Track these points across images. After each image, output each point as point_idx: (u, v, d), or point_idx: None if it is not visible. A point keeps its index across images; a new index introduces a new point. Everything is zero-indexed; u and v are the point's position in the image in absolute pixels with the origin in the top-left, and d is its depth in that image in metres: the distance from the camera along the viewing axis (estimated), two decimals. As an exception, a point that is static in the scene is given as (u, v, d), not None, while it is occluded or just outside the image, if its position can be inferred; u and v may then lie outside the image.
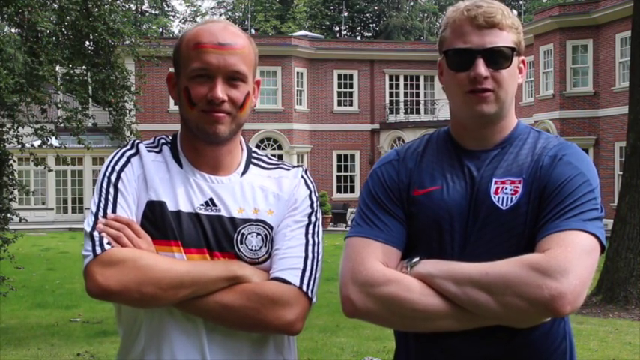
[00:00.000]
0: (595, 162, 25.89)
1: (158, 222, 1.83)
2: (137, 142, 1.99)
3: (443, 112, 33.22)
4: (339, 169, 33.54)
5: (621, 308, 10.73)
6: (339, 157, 33.53)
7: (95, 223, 1.81)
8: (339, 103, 33.62)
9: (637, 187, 11.14)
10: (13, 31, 10.30)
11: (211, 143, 1.90)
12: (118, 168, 1.89)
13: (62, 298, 12.57)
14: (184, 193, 1.87)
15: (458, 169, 1.92)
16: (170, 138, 2.03)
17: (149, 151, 1.96)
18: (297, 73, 32.30)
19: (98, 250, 1.76)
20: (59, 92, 11.75)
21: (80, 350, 8.52)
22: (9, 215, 10.03)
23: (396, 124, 33.10)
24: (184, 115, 1.96)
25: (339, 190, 33.24)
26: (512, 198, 1.84)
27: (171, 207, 1.84)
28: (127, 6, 11.82)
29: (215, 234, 1.84)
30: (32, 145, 11.51)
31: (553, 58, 26.99)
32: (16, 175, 10.22)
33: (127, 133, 10.77)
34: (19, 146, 9.86)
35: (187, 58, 1.87)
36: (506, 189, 1.85)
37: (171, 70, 1.99)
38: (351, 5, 55.41)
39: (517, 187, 1.85)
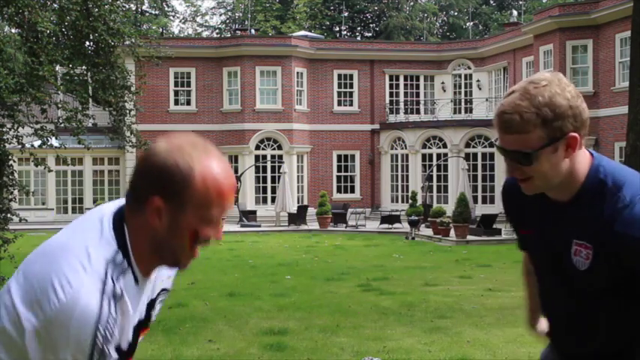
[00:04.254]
0: (595, 162, 25.98)
1: None
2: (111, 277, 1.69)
3: (443, 112, 33.23)
4: (339, 169, 33.54)
5: (621, 308, 10.72)
6: (339, 157, 33.52)
7: None
8: (339, 103, 33.61)
9: (637, 187, 11.14)
10: (13, 31, 10.30)
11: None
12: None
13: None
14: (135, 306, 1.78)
15: (546, 217, 2.19)
16: (122, 257, 1.73)
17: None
18: (297, 73, 32.29)
19: None
20: (59, 92, 11.75)
21: (80, 350, 8.51)
22: (9, 215, 10.03)
23: (396, 124, 33.09)
24: (170, 247, 1.73)
25: (339, 190, 33.23)
26: (585, 263, 2.09)
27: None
28: (127, 6, 11.81)
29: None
30: (32, 145, 11.50)
31: (553, 58, 26.99)
32: (16, 175, 10.22)
33: (127, 133, 10.78)
34: (19, 146, 9.86)
35: (207, 202, 1.68)
36: (581, 252, 2.09)
37: (157, 196, 1.69)
38: (351, 5, 55.39)
39: (589, 253, 2.07)
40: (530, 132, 2.02)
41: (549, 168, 2.04)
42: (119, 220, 1.73)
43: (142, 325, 1.83)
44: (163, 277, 1.90)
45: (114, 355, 1.65)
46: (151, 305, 1.87)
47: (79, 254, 1.64)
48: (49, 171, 11.02)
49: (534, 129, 2.01)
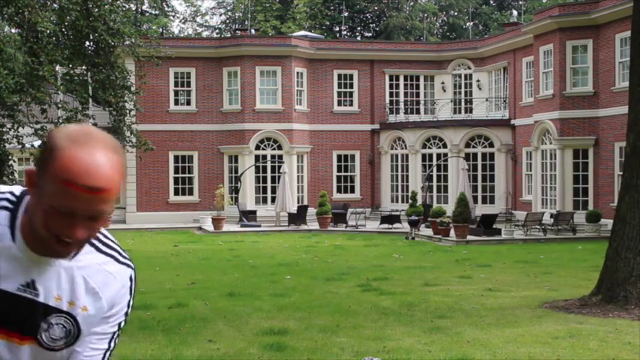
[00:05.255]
0: (595, 162, 25.94)
1: None
2: None
3: (443, 112, 33.22)
4: (339, 169, 33.53)
5: (621, 308, 10.72)
6: (339, 157, 33.51)
7: None
8: (339, 103, 33.60)
9: (637, 187, 11.14)
10: (13, 31, 10.30)
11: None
12: None
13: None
14: (8, 270, 1.77)
15: None
16: (14, 198, 1.81)
17: None
18: (297, 73, 32.29)
19: None
20: (59, 92, 11.75)
21: (80, 350, 8.51)
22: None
23: (396, 124, 33.08)
24: (35, 222, 1.72)
25: (339, 190, 33.23)
26: None
27: None
28: (127, 6, 11.81)
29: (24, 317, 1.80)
30: (32, 145, 11.50)
31: (553, 58, 26.98)
32: (16, 175, 10.22)
33: (127, 133, 10.77)
34: (19, 146, 9.86)
35: (54, 188, 1.65)
36: None
37: (32, 165, 1.74)
38: (351, 5, 55.38)
39: None
40: None
41: None
42: None
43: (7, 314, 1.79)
44: (64, 294, 1.82)
45: None
46: (34, 309, 1.80)
47: None
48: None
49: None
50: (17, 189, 1.82)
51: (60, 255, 1.75)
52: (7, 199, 1.80)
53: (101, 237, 1.89)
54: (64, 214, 1.66)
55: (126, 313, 1.92)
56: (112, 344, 1.92)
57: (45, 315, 1.80)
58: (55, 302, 1.81)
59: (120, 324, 1.92)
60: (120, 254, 1.91)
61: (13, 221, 1.77)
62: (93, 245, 1.85)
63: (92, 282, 1.84)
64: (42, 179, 1.67)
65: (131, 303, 1.93)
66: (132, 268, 1.92)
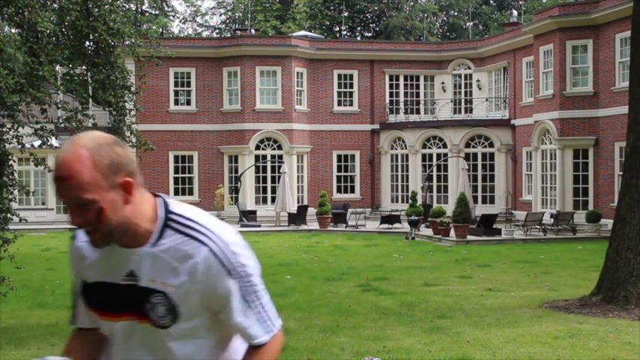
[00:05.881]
0: (595, 162, 25.95)
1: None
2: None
3: (443, 112, 33.22)
4: (339, 169, 33.53)
5: (621, 308, 10.72)
6: (339, 157, 33.51)
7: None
8: (339, 103, 33.60)
9: (637, 187, 11.14)
10: (13, 31, 10.29)
11: None
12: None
13: (62, 298, 12.56)
14: (111, 265, 2.16)
15: None
16: None
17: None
18: (297, 73, 32.29)
19: None
20: (59, 92, 11.75)
21: (80, 350, 8.51)
22: (9, 215, 10.02)
23: (396, 124, 33.08)
24: None
25: (339, 190, 33.23)
26: None
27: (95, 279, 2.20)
28: (127, 6, 11.80)
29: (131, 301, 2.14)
30: (32, 145, 11.51)
31: (553, 58, 26.97)
32: (16, 175, 10.21)
33: (127, 133, 10.76)
34: (19, 146, 9.85)
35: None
36: None
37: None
38: (351, 5, 55.37)
39: None
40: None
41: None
42: None
43: (116, 298, 2.14)
44: (156, 276, 2.10)
45: (76, 276, 2.24)
46: (140, 293, 2.11)
47: None
48: (49, 171, 10.98)
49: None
50: None
51: (95, 245, 2.08)
52: None
53: (181, 219, 2.12)
54: (65, 203, 2.01)
55: (239, 278, 2.11)
56: (249, 296, 2.13)
57: (147, 296, 2.09)
58: (151, 284, 2.09)
59: (240, 287, 2.11)
60: (198, 233, 2.09)
61: None
62: (173, 228, 2.10)
63: (172, 261, 2.08)
64: None
65: (236, 269, 2.10)
66: (205, 244, 2.08)
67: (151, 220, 2.10)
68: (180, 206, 2.15)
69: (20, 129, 9.89)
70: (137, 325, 2.14)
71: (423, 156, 32.01)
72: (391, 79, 34.05)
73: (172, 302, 2.07)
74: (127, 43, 10.49)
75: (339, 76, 33.46)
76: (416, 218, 25.17)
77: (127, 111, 10.65)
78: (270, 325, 2.17)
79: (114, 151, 2.01)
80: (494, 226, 24.62)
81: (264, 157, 31.56)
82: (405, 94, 34.29)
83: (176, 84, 32.04)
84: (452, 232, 23.47)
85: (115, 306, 2.15)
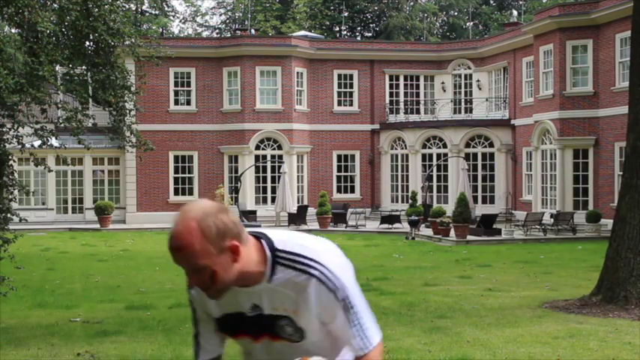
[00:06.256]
0: (595, 162, 25.94)
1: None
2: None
3: (443, 112, 33.22)
4: (339, 169, 33.53)
5: (621, 308, 10.72)
6: (339, 157, 33.51)
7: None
8: (339, 103, 33.60)
9: (637, 187, 11.14)
10: (13, 31, 10.29)
11: None
12: None
13: (62, 298, 12.56)
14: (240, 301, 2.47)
15: None
16: None
17: None
18: (297, 73, 32.29)
19: None
20: (59, 92, 11.75)
21: (80, 350, 8.52)
22: (9, 215, 10.02)
23: (396, 124, 33.08)
24: None
25: (339, 190, 33.23)
26: None
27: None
28: (127, 6, 11.79)
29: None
30: (32, 145, 11.51)
31: (553, 58, 26.97)
32: (16, 175, 10.22)
33: (127, 133, 10.76)
34: (19, 146, 9.85)
35: None
36: None
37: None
38: (351, 5, 55.36)
39: None
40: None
41: None
42: None
43: (241, 324, 2.49)
44: (278, 305, 2.42)
45: (198, 313, 2.55)
46: (268, 319, 2.44)
47: None
48: (49, 171, 11.01)
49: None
50: None
51: (211, 297, 2.39)
52: None
53: (288, 255, 2.39)
54: (184, 270, 2.30)
55: (342, 299, 2.41)
56: (350, 309, 2.41)
57: (274, 321, 2.43)
58: (275, 311, 2.42)
59: (343, 306, 2.41)
60: (305, 266, 2.38)
61: None
62: (282, 264, 2.38)
63: (288, 291, 2.39)
64: None
65: (339, 290, 2.40)
66: (314, 275, 2.37)
67: (260, 262, 2.37)
68: (282, 242, 2.41)
69: (20, 129, 9.89)
70: (273, 343, 2.48)
71: (423, 156, 32.02)
72: (391, 79, 34.04)
73: (297, 324, 2.40)
74: (127, 43, 10.48)
75: (339, 76, 33.46)
76: (416, 218, 25.17)
77: (127, 111, 10.65)
78: (370, 337, 2.44)
79: (219, 219, 2.26)
80: (494, 226, 24.63)
81: (264, 157, 31.56)
82: (405, 94, 34.29)
83: (176, 84, 32.05)
84: (452, 232, 23.47)
85: (248, 331, 2.49)
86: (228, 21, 59.80)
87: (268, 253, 2.37)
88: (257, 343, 2.50)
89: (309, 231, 27.53)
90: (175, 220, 2.26)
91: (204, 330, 2.57)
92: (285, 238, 2.42)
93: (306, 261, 2.37)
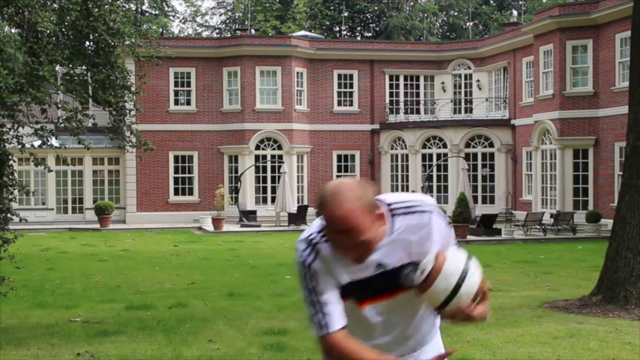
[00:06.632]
0: (595, 162, 25.94)
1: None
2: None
3: (443, 112, 33.22)
4: (339, 169, 33.53)
5: (621, 308, 10.72)
6: (339, 157, 33.52)
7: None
8: (339, 103, 33.60)
9: (637, 187, 11.14)
10: (13, 31, 10.28)
11: None
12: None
13: (62, 298, 12.56)
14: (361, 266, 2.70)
15: None
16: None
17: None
18: (297, 73, 32.29)
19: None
20: (59, 92, 11.75)
21: (80, 350, 8.52)
22: (9, 215, 10.02)
23: (396, 124, 33.08)
24: (333, 245, 2.71)
25: (339, 190, 33.18)
26: None
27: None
28: (127, 6, 11.78)
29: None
30: (32, 145, 11.50)
31: (553, 58, 26.98)
32: (16, 175, 10.20)
33: (127, 133, 10.75)
34: (19, 146, 9.84)
35: (327, 230, 2.61)
36: None
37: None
38: (351, 5, 55.36)
39: None
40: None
41: None
42: None
43: (369, 288, 2.71)
44: (401, 255, 2.68)
45: (325, 285, 2.68)
46: (391, 274, 2.69)
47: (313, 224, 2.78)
48: (49, 171, 11.00)
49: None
50: (317, 224, 2.73)
51: (358, 261, 2.62)
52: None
53: (400, 205, 2.69)
54: (340, 245, 2.56)
55: (449, 222, 2.81)
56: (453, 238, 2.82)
57: (400, 272, 2.68)
58: (398, 262, 2.68)
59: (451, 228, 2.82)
60: (417, 207, 2.70)
61: None
62: (398, 214, 2.66)
63: (411, 235, 2.67)
64: (323, 220, 2.58)
65: (446, 218, 2.79)
66: (427, 211, 2.70)
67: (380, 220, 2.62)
68: (390, 197, 2.70)
69: (20, 129, 9.88)
70: (391, 302, 2.73)
71: (423, 156, 32.02)
72: (391, 79, 34.05)
73: (417, 263, 2.66)
74: (127, 43, 10.47)
75: (339, 76, 33.46)
76: (416, 218, 25.15)
77: (127, 111, 10.64)
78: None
79: (368, 194, 2.54)
80: (494, 226, 24.63)
81: (264, 157, 31.56)
82: (405, 94, 34.29)
83: (176, 84, 32.05)
84: (452, 232, 23.45)
85: (371, 292, 2.71)
86: (228, 21, 59.81)
87: (385, 209, 2.63)
88: (377, 303, 2.72)
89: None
90: (333, 203, 2.49)
91: (333, 297, 2.69)
92: (389, 195, 2.72)
93: (416, 203, 2.69)
